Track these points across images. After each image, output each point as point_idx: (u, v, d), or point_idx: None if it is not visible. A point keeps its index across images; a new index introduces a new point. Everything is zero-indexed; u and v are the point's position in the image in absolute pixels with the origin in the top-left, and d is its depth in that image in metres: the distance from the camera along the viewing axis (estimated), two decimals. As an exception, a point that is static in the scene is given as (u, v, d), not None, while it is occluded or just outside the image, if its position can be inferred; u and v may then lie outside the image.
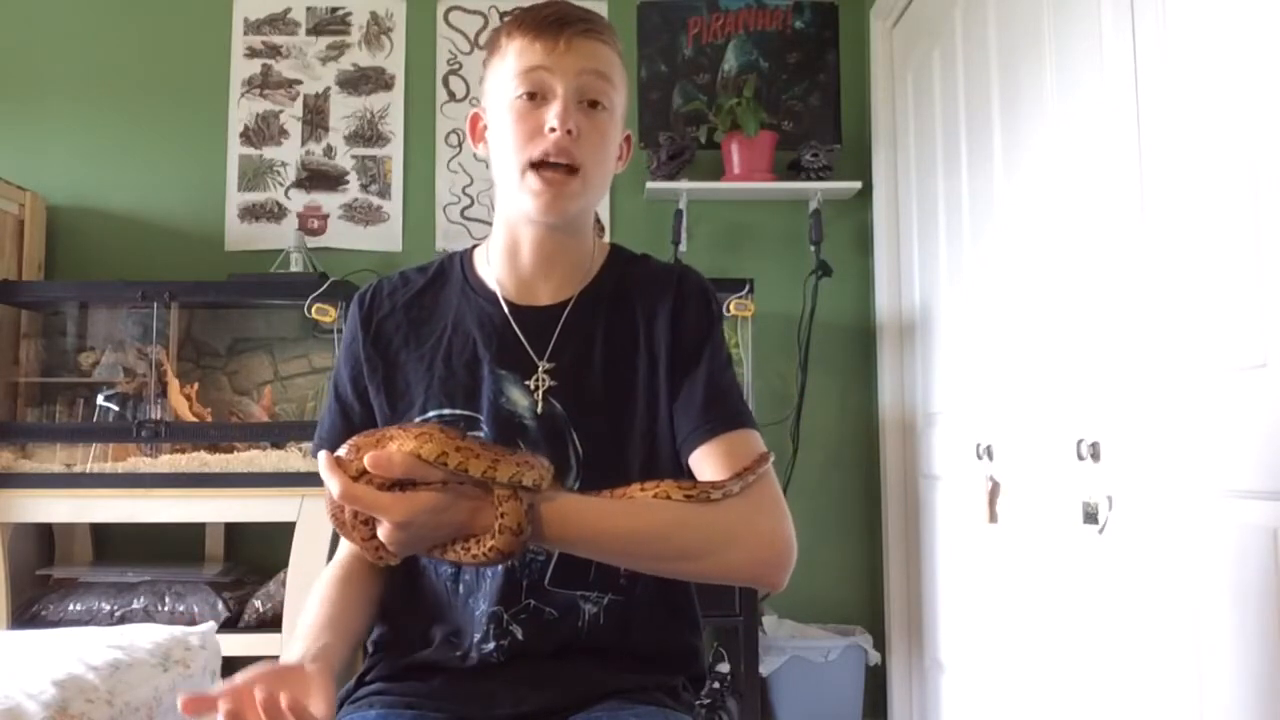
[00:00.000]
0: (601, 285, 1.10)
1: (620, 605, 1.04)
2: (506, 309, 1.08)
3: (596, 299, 1.09)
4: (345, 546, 1.09)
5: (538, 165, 1.01)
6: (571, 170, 1.01)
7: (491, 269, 1.11)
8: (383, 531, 0.85)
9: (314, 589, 1.04)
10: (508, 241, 1.09)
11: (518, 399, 1.04)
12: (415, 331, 1.10)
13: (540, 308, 1.08)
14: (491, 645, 1.01)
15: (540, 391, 1.04)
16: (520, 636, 1.02)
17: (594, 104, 1.03)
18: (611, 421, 1.05)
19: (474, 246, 1.16)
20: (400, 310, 1.11)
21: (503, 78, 1.04)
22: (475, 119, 1.12)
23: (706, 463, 1.01)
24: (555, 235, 1.07)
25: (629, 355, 1.07)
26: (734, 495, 0.95)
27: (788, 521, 0.99)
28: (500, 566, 1.01)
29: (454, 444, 0.84)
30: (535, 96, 1.02)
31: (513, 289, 1.09)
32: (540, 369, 1.05)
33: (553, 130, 1.00)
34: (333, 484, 0.85)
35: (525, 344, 1.06)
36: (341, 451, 0.86)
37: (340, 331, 2.58)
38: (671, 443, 1.05)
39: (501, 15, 2.98)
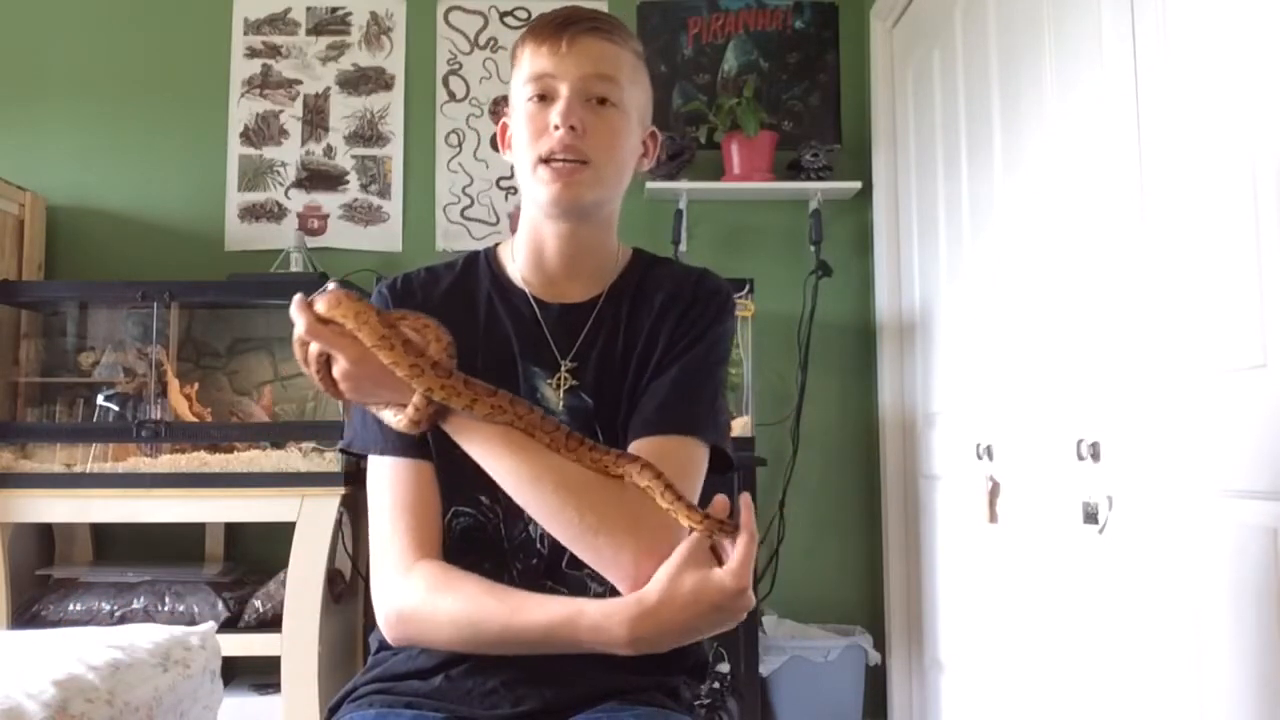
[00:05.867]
0: (626, 285, 1.12)
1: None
2: (535, 306, 1.10)
3: (620, 298, 1.11)
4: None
5: (547, 160, 1.03)
6: (581, 163, 1.03)
7: (517, 267, 1.13)
8: (338, 369, 0.96)
9: None
10: (532, 242, 1.11)
11: (548, 395, 1.07)
12: (452, 328, 1.07)
13: (568, 306, 1.10)
14: None
15: (563, 389, 1.07)
16: None
17: (602, 101, 1.05)
18: (630, 415, 1.06)
19: (497, 245, 1.18)
20: (436, 304, 1.10)
21: (518, 84, 1.08)
22: (504, 128, 1.14)
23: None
24: (577, 234, 1.09)
25: (645, 350, 1.09)
26: (633, 481, 0.95)
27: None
28: (531, 559, 1.04)
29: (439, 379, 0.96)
30: (544, 99, 1.05)
31: (540, 287, 1.11)
32: (564, 367, 1.07)
33: (557, 128, 1.02)
34: (299, 321, 0.96)
35: (551, 342, 1.08)
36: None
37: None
38: None
39: (501, 15, 2.98)
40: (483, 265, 1.15)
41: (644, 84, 1.11)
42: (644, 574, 0.92)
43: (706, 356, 1.08)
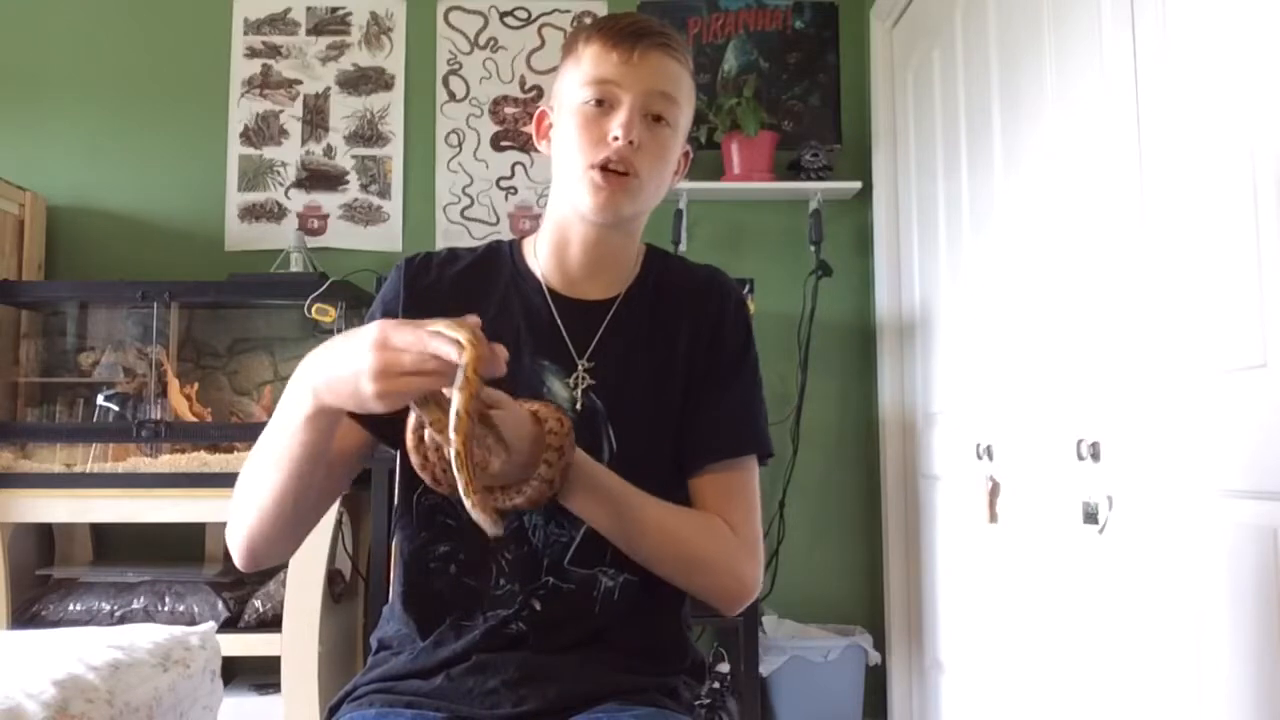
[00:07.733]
0: (644, 285, 1.13)
1: (635, 586, 1.06)
2: (552, 302, 1.11)
3: (640, 299, 1.12)
4: None
5: (601, 167, 1.04)
6: (629, 175, 1.04)
7: (538, 263, 1.13)
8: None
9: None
10: (557, 239, 1.11)
11: (558, 391, 1.07)
12: (461, 308, 1.06)
13: (585, 304, 1.11)
14: (510, 611, 1.03)
15: (580, 388, 1.07)
16: (538, 608, 1.03)
17: (658, 119, 1.06)
18: (648, 420, 1.07)
19: (522, 237, 1.18)
20: (449, 283, 1.12)
21: (574, 82, 1.07)
22: (542, 116, 1.15)
23: (703, 490, 1.08)
24: (605, 240, 1.10)
25: (670, 358, 1.10)
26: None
27: (762, 564, 1.09)
28: (522, 549, 1.04)
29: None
30: (603, 104, 1.05)
31: (559, 284, 1.12)
32: (580, 366, 1.08)
33: (616, 139, 1.03)
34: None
35: (567, 339, 1.09)
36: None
37: (340, 331, 2.59)
38: None
39: (501, 15, 2.98)
40: (505, 255, 1.16)
41: (693, 103, 1.13)
42: (738, 599, 1.06)
43: (755, 373, 1.13)
